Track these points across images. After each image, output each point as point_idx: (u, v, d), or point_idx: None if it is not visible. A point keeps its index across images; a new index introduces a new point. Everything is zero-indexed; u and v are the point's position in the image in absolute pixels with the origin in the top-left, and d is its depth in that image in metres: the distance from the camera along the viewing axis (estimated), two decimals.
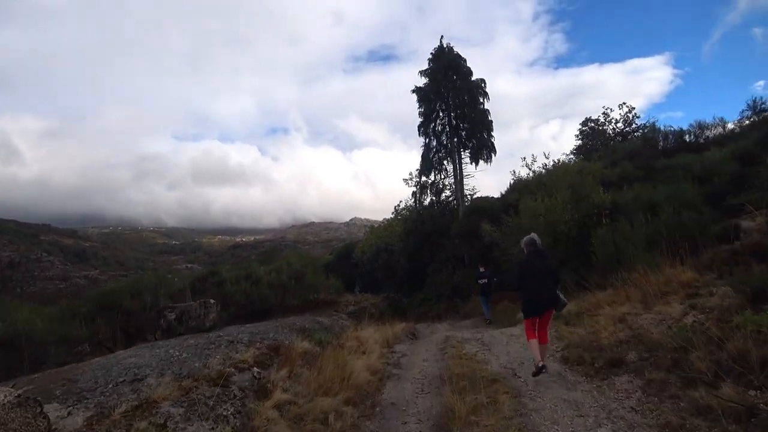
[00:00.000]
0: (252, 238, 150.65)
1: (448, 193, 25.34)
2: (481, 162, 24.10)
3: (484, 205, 19.32)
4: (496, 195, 22.72)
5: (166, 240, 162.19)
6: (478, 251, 18.69)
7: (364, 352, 7.41)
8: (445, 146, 25.07)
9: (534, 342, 5.77)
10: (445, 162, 25.07)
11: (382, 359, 7.07)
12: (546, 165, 14.64)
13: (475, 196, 23.32)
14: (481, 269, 13.92)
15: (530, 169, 13.82)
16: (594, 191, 12.87)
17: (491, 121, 24.03)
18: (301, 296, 10.40)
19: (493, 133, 24.28)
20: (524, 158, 13.86)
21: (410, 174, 26.29)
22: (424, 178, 24.69)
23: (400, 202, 27.31)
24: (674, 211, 9.51)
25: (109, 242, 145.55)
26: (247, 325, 7.72)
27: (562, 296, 6.05)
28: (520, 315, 12.00)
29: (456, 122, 24.83)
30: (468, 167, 24.52)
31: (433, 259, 22.22)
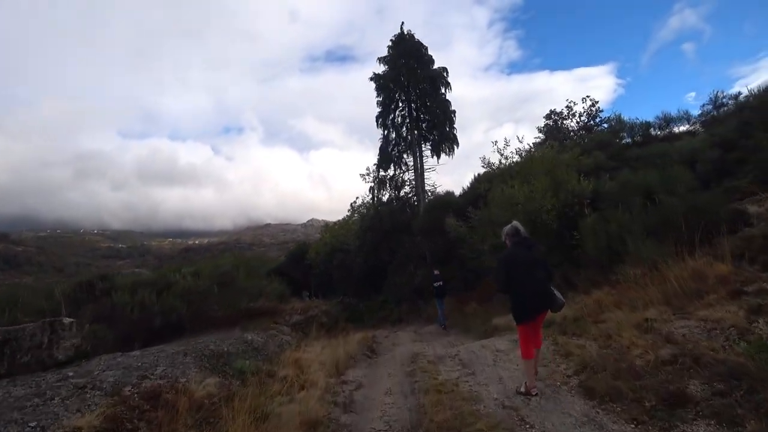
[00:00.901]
0: (205, 241, 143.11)
1: (407, 189, 23.43)
2: (442, 156, 22.33)
3: (448, 199, 17.49)
4: (458, 192, 21.04)
5: (112, 243, 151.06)
6: (442, 248, 16.82)
7: (303, 386, 5.14)
8: (405, 138, 23.12)
9: (531, 363, 4.63)
10: (404, 155, 23.10)
11: (328, 397, 4.83)
12: (520, 150, 12.93)
13: (437, 191, 21.49)
14: (436, 272, 13.05)
15: (502, 155, 12.02)
16: (573, 179, 11.27)
17: (454, 112, 22.34)
18: (229, 305, 7.93)
19: (455, 125, 22.60)
20: (495, 142, 11.96)
21: (367, 169, 24.14)
22: (382, 173, 22.61)
23: (357, 198, 25.10)
24: (678, 195, 7.92)
25: (45, 246, 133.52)
26: (135, 353, 5.26)
27: (558, 294, 4.73)
28: (498, 321, 10.24)
29: (416, 113, 22.95)
30: (429, 161, 22.71)
31: (393, 259, 20.17)
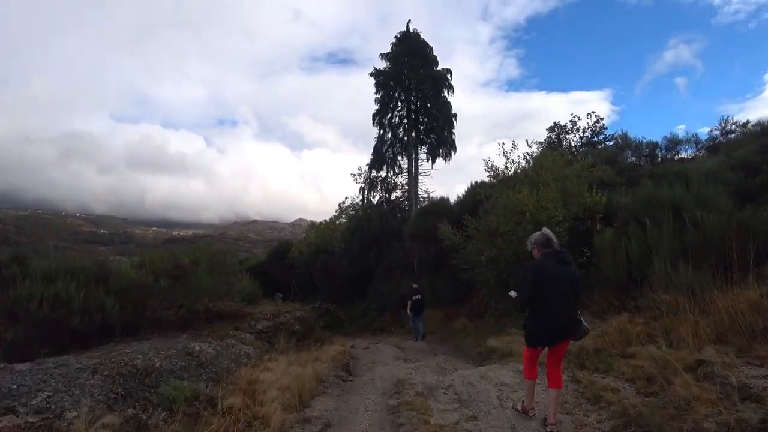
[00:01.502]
0: (191, 233, 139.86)
1: (399, 193, 22.18)
2: (438, 161, 21.16)
3: (443, 205, 16.24)
4: (452, 200, 19.82)
5: (94, 228, 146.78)
6: (433, 257, 15.54)
7: (250, 424, 3.79)
8: (401, 140, 21.91)
9: (531, 384, 4.22)
10: (399, 157, 21.88)
11: None
12: (528, 155, 11.76)
13: (430, 197, 20.22)
14: (414, 285, 12.38)
15: (508, 158, 10.83)
16: (584, 190, 10.12)
17: (455, 116, 21.20)
18: (182, 305, 6.52)
19: (454, 130, 21.46)
20: (502, 143, 10.76)
21: (359, 169, 22.84)
22: (374, 173, 21.32)
23: (346, 198, 23.73)
24: (719, 212, 6.76)
25: (25, 227, 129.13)
26: (22, 366, 3.83)
27: (584, 321, 4.03)
28: (494, 343, 8.95)
29: (415, 114, 21.77)
30: (424, 165, 21.52)
31: (380, 264, 18.85)
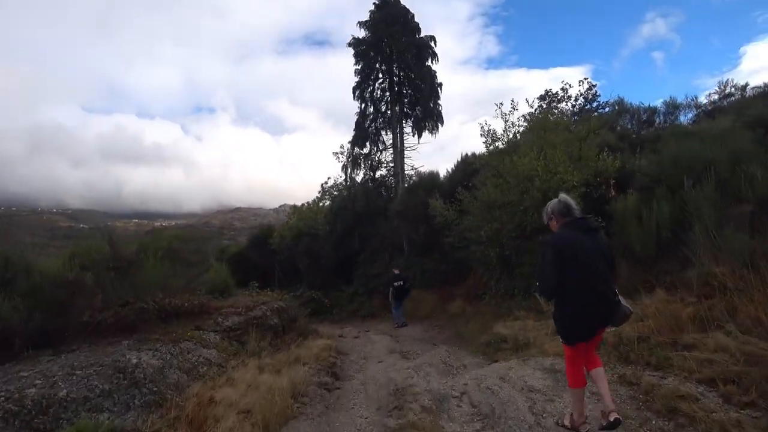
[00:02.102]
0: (173, 223, 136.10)
1: (384, 172, 20.81)
2: (425, 135, 19.80)
3: (433, 179, 14.93)
4: (441, 174, 18.50)
5: (72, 223, 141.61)
6: (423, 236, 14.31)
7: None
8: (384, 114, 20.45)
9: (580, 393, 3.09)
10: (383, 132, 20.45)
11: None
12: (530, 115, 10.45)
13: (419, 171, 18.86)
14: (396, 271, 11.77)
15: (507, 121, 9.53)
16: (593, 153, 8.95)
17: (440, 85, 19.81)
18: (128, 304, 5.14)
19: (440, 101, 20.07)
20: (500, 104, 9.43)
21: (341, 147, 21.34)
22: (357, 150, 19.87)
23: (329, 178, 22.25)
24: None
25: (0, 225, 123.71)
26: None
27: (623, 301, 3.09)
28: (502, 329, 7.77)
29: (398, 86, 20.27)
30: (410, 140, 20.14)
31: (366, 246, 17.58)
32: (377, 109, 20.44)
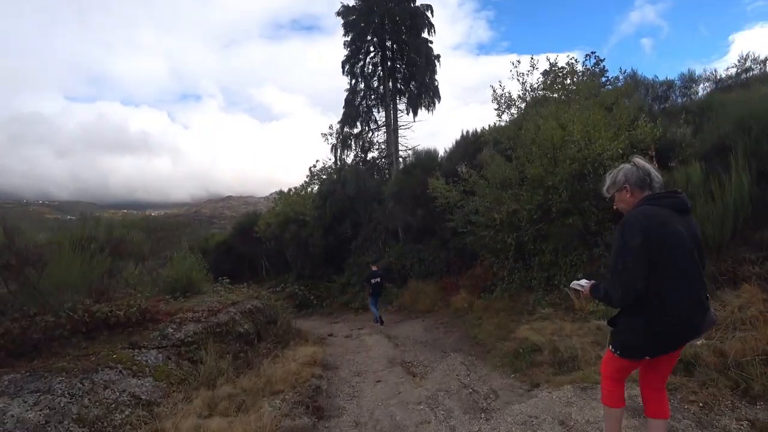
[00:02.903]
0: (162, 213, 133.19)
1: (376, 154, 19.14)
2: (421, 112, 18.11)
3: (432, 158, 13.30)
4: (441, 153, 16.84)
5: (60, 215, 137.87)
6: (420, 220, 12.75)
7: None
8: (376, 90, 18.69)
9: (619, 415, 2.38)
10: (374, 111, 18.72)
11: None
12: (548, 78, 8.84)
13: (417, 149, 17.16)
14: (374, 268, 11.08)
15: (523, 83, 7.92)
16: (628, 120, 7.40)
17: (438, 57, 18.01)
18: (31, 315, 3.46)
19: (436, 76, 18.33)
20: (517, 62, 7.80)
21: (330, 128, 19.61)
22: (347, 129, 18.13)
23: (317, 161, 20.51)
24: None
25: None
26: None
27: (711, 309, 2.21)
28: (529, 333, 6.16)
29: (392, 61, 18.48)
30: (404, 117, 18.44)
31: (358, 233, 16.00)
32: (368, 86, 18.68)
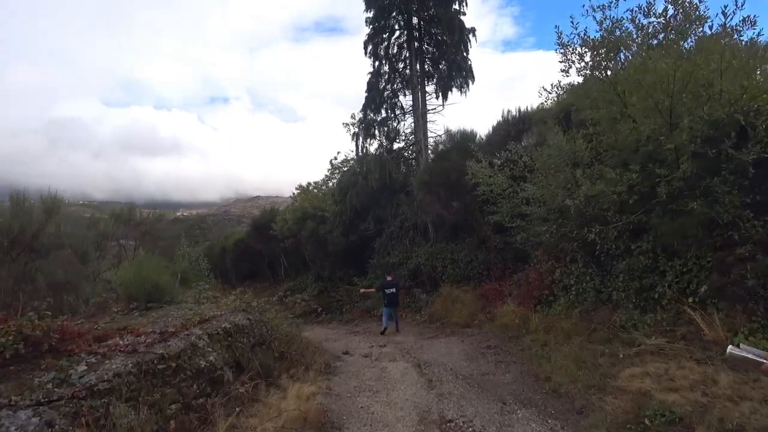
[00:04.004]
0: (193, 212, 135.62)
1: (402, 145, 17.08)
2: (452, 94, 15.94)
3: (468, 140, 11.09)
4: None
5: (98, 215, 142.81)
6: (457, 213, 10.56)
7: None
8: (401, 73, 16.63)
9: None
10: (400, 95, 16.66)
11: None
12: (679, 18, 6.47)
13: (450, 131, 14.90)
14: (388, 278, 10.08)
15: (603, 24, 5.69)
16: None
17: (472, 31, 15.81)
18: None
19: (469, 56, 16.11)
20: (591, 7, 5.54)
21: (352, 116, 17.70)
22: (370, 116, 16.14)
23: (338, 153, 18.66)
24: None
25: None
26: None
27: None
28: (644, 383, 3.86)
29: (419, 41, 16.39)
30: (433, 101, 16.32)
31: (383, 230, 14.01)
32: (393, 68, 16.62)
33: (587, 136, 6.00)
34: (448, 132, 11.71)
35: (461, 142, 10.64)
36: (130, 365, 3.35)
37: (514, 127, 12.01)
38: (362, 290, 11.67)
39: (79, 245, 5.08)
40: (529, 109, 12.60)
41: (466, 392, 4.45)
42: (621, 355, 4.31)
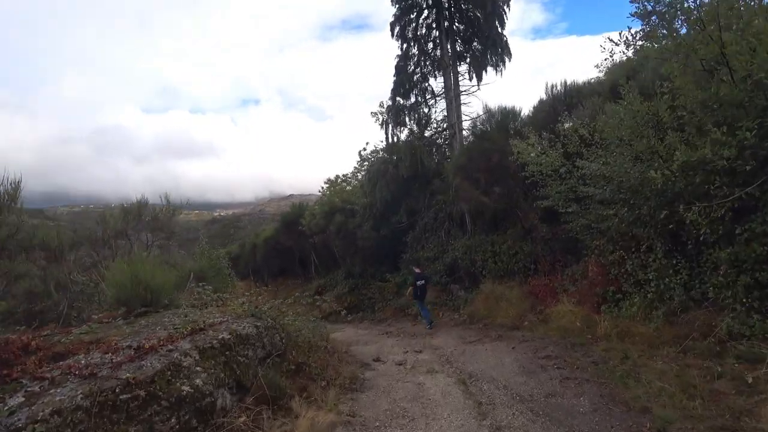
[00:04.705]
0: (230, 212, 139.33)
1: (434, 132, 15.89)
2: (486, 74, 14.58)
3: (513, 116, 9.76)
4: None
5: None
6: (498, 200, 9.32)
7: None
8: (431, 55, 15.43)
9: None
10: (431, 79, 15.48)
11: None
12: None
13: (490, 108, 13.53)
14: (417, 270, 9.60)
15: None
16: None
17: (507, 2, 14.38)
18: None
19: (504, 32, 14.69)
20: None
21: (381, 105, 16.70)
22: (399, 101, 15.06)
23: (367, 144, 17.72)
24: None
25: (78, 221, 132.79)
26: None
27: None
28: None
29: (449, 21, 15.13)
30: (465, 83, 15.02)
31: (416, 222, 12.95)
32: (423, 50, 15.45)
33: (671, 92, 4.69)
34: (487, 110, 10.45)
35: (503, 120, 9.37)
36: (80, 396, 2.49)
37: (562, 104, 10.60)
38: (409, 293, 10.02)
39: (51, 245, 4.37)
40: (575, 83, 11.16)
41: (530, 425, 3.35)
42: (749, 379, 3.09)
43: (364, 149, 18.82)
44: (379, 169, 13.37)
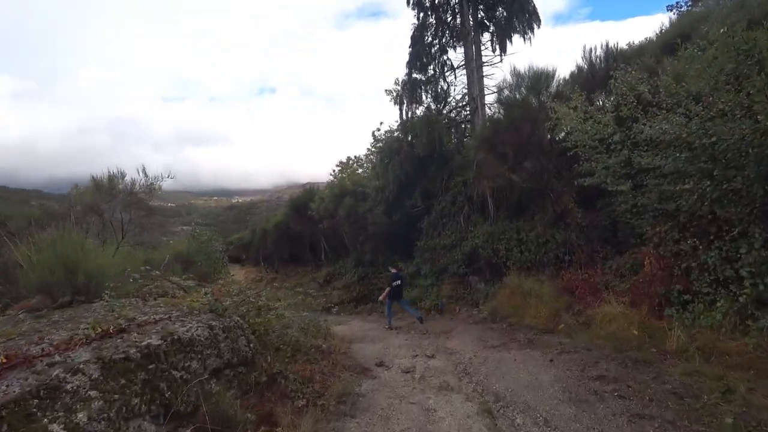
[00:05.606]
0: (248, 199, 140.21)
1: (453, 110, 14.47)
2: (511, 44, 13.04)
3: (546, 80, 8.29)
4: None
5: (161, 203, 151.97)
6: (528, 179, 7.95)
7: None
8: (449, 25, 13.94)
9: None
10: (450, 51, 14.01)
11: None
12: None
13: (517, 71, 12.00)
14: (393, 270, 8.93)
15: None
16: None
17: None
18: None
19: None
20: None
21: (396, 81, 15.35)
22: (415, 75, 13.66)
23: (381, 124, 16.40)
24: None
25: None
26: None
27: None
28: None
29: None
30: (487, 54, 13.50)
31: (431, 207, 11.66)
32: (441, 20, 13.97)
33: None
34: (516, 73, 9.00)
35: (535, 85, 7.94)
36: None
37: (602, 71, 9.09)
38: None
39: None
40: (618, 46, 9.61)
41: None
42: None
43: (378, 129, 17.53)
44: (393, 147, 12.08)
